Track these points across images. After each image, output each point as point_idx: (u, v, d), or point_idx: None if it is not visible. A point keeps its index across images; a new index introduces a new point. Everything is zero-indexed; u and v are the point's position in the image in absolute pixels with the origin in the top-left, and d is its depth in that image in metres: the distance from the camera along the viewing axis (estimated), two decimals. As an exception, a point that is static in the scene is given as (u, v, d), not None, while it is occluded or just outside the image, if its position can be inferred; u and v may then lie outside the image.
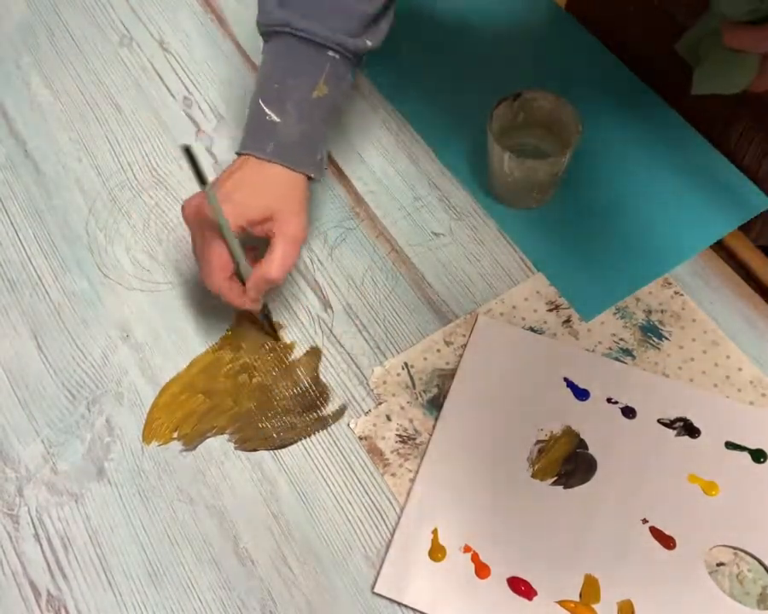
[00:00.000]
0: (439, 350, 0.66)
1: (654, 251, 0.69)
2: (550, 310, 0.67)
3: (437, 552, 0.58)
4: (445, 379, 0.65)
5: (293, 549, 0.60)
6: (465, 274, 0.70)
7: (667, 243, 0.70)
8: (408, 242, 0.72)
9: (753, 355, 0.64)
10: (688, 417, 0.62)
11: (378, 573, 0.58)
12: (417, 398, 0.64)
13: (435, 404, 0.64)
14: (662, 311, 0.67)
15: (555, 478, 0.60)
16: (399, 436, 0.63)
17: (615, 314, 0.67)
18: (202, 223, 0.60)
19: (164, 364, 0.68)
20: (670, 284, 0.68)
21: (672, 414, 0.62)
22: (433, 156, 0.76)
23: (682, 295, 0.67)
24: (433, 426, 0.63)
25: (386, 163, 0.76)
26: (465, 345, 0.66)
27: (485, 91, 0.73)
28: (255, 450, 0.64)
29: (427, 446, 0.62)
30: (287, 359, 0.67)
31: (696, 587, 0.56)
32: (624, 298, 0.67)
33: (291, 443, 0.64)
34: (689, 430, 0.61)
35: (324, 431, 0.64)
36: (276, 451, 0.64)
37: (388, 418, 0.64)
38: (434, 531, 0.58)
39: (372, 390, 0.65)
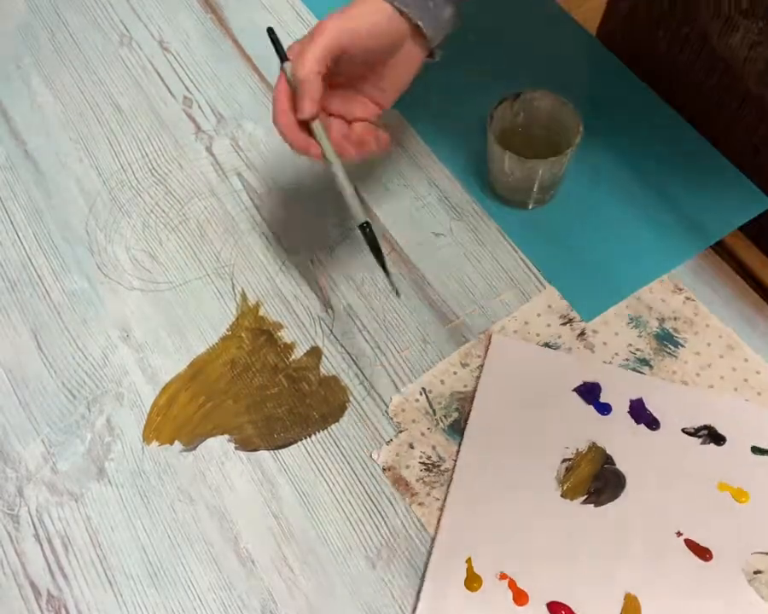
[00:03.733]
0: (455, 373, 0.65)
1: (655, 251, 0.69)
2: (564, 324, 0.66)
3: (473, 581, 0.57)
4: (464, 402, 0.64)
5: (293, 549, 0.60)
6: (465, 274, 0.70)
7: (667, 243, 0.70)
8: (408, 242, 0.72)
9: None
10: (712, 424, 0.61)
11: (414, 608, 0.57)
12: (438, 424, 0.63)
13: (457, 429, 0.63)
14: (675, 318, 0.66)
15: (586, 497, 0.59)
16: (423, 464, 0.62)
17: (629, 323, 0.66)
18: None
19: (164, 364, 0.68)
20: (681, 290, 0.67)
21: (696, 423, 0.61)
22: (433, 156, 0.76)
23: (693, 301, 0.66)
24: (457, 452, 0.62)
25: (387, 163, 0.76)
26: (481, 366, 0.65)
27: (485, 91, 0.73)
28: (255, 450, 0.64)
29: (452, 473, 0.61)
30: (287, 359, 0.67)
31: (737, 596, 0.55)
32: (624, 298, 0.67)
33: (291, 443, 0.64)
34: (714, 437, 0.60)
35: (324, 431, 0.64)
36: (276, 451, 0.64)
37: (411, 446, 0.62)
38: (468, 560, 0.57)
39: (392, 419, 0.64)
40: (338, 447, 0.63)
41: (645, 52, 0.79)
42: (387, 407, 0.64)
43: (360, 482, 0.62)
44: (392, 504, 0.61)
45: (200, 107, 0.82)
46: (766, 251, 0.70)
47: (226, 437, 0.64)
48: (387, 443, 0.63)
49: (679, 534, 0.57)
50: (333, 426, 0.64)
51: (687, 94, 0.76)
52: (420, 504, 0.60)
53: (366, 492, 0.61)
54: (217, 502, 0.62)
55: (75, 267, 0.73)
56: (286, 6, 0.87)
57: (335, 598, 0.58)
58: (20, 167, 0.79)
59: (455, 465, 0.61)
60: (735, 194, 0.71)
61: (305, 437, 0.64)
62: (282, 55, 0.59)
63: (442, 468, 0.61)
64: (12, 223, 0.76)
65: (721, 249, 0.70)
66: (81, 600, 0.59)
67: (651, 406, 0.62)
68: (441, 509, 0.60)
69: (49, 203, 0.77)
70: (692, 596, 0.55)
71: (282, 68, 0.58)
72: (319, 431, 0.64)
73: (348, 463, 0.63)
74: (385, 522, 0.60)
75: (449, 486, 0.60)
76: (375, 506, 0.61)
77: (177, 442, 0.64)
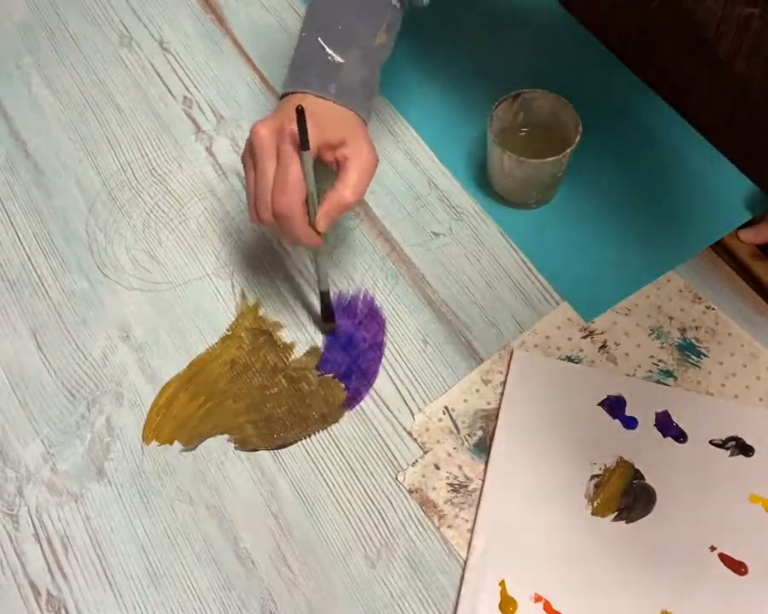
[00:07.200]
0: (478, 390, 0.64)
1: (654, 251, 0.69)
2: (585, 337, 0.66)
3: (507, 605, 0.56)
4: (488, 419, 0.63)
5: (293, 549, 0.60)
6: (465, 274, 0.70)
7: (667, 243, 0.70)
8: (408, 242, 0.72)
9: (753, 355, 0.64)
10: (739, 435, 0.60)
11: None
12: (463, 443, 0.62)
13: (482, 447, 0.62)
14: (696, 328, 0.65)
15: (616, 514, 0.59)
16: (450, 485, 0.61)
17: (650, 335, 0.65)
18: (279, 147, 0.56)
19: (164, 364, 0.68)
20: (700, 299, 0.66)
21: (723, 434, 0.61)
22: (433, 156, 0.76)
23: (713, 310, 0.66)
24: (484, 471, 0.61)
25: (386, 163, 0.76)
26: (504, 383, 0.64)
27: (485, 91, 0.73)
28: (255, 450, 0.64)
29: (480, 493, 0.60)
30: (287, 359, 0.67)
31: None
32: (624, 297, 0.67)
33: (291, 443, 0.64)
34: (743, 448, 0.60)
35: (324, 431, 0.64)
36: (276, 451, 0.64)
37: (436, 467, 0.62)
38: (502, 583, 0.57)
39: (416, 440, 0.63)
40: (338, 447, 0.63)
41: (614, 25, 0.78)
42: (387, 405, 0.64)
43: (360, 482, 0.62)
44: (391, 504, 0.61)
45: (200, 107, 0.82)
46: (766, 251, 0.70)
47: (226, 436, 0.64)
48: (413, 464, 0.62)
49: (713, 548, 0.57)
50: (332, 426, 0.64)
51: (661, 71, 0.76)
52: (449, 527, 0.59)
53: (366, 492, 0.61)
54: (216, 502, 0.62)
55: (75, 267, 0.73)
56: (286, 6, 0.87)
57: (335, 598, 0.58)
58: (20, 167, 0.79)
59: (482, 485, 0.60)
60: (735, 194, 0.71)
61: (305, 437, 0.64)
62: (305, 141, 0.55)
63: (470, 488, 0.61)
64: (12, 223, 0.76)
65: (721, 249, 0.70)
66: (81, 600, 0.59)
67: (677, 418, 0.61)
68: (471, 531, 0.59)
69: (49, 203, 0.77)
70: (729, 611, 0.55)
71: (300, 156, 0.55)
72: (319, 432, 0.64)
73: (348, 463, 0.63)
74: (384, 522, 0.60)
75: (477, 507, 0.60)
76: (375, 505, 0.61)
77: (176, 442, 0.64)
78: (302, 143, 0.54)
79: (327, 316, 0.67)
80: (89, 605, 0.59)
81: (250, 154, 0.58)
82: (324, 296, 0.66)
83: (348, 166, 0.58)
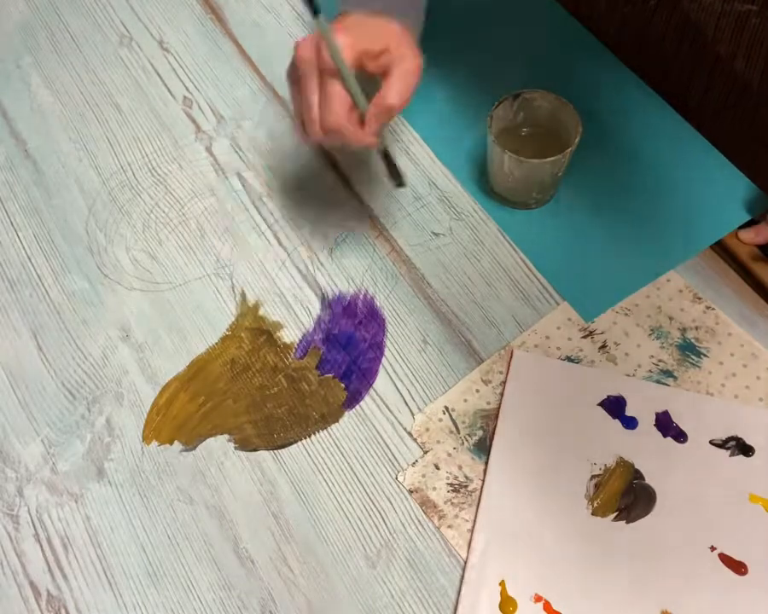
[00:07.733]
0: (477, 390, 0.64)
1: (654, 251, 0.69)
2: (585, 337, 0.66)
3: (507, 605, 0.56)
4: (488, 419, 0.63)
5: (293, 549, 0.60)
6: (465, 274, 0.70)
7: (667, 243, 0.70)
8: (408, 242, 0.72)
9: (753, 355, 0.64)
10: (739, 435, 0.60)
11: None
12: (463, 443, 0.62)
13: (482, 447, 0.62)
14: (697, 328, 0.65)
15: (616, 514, 0.59)
16: (450, 485, 0.61)
17: (650, 335, 0.65)
18: (320, 63, 0.58)
19: (164, 364, 0.68)
20: (700, 299, 0.66)
21: (724, 434, 0.61)
22: (433, 156, 0.76)
23: (713, 310, 0.66)
24: (484, 471, 0.61)
25: (387, 163, 0.76)
26: (504, 383, 0.64)
27: (485, 91, 0.73)
28: (255, 450, 0.64)
29: (480, 493, 0.60)
30: (286, 359, 0.67)
31: None
32: (624, 297, 0.67)
33: (291, 443, 0.64)
34: (743, 448, 0.60)
35: (324, 431, 0.64)
36: (276, 451, 0.64)
37: (437, 467, 0.62)
38: (502, 583, 0.57)
39: (416, 440, 0.63)
40: (338, 447, 0.63)
41: (613, 25, 0.79)
42: (387, 405, 0.64)
43: (360, 481, 0.62)
44: (391, 504, 0.61)
45: (200, 107, 0.82)
46: (766, 251, 0.70)
47: (226, 436, 0.64)
48: (413, 464, 0.62)
49: (713, 548, 0.57)
50: (333, 426, 0.64)
51: (661, 71, 0.76)
52: (449, 527, 0.59)
53: (366, 492, 0.61)
54: (216, 502, 0.62)
55: (75, 267, 0.73)
56: (286, 6, 0.87)
57: (335, 598, 0.58)
58: (20, 167, 0.79)
59: (482, 485, 0.60)
60: (735, 193, 0.71)
61: (305, 437, 0.64)
62: (315, 7, 0.55)
63: (470, 488, 0.61)
64: (12, 223, 0.76)
65: (721, 249, 0.70)
66: (81, 600, 0.59)
67: (677, 418, 0.61)
68: (471, 531, 0.59)
69: (49, 203, 0.77)
70: (729, 611, 0.55)
71: (317, 22, 0.56)
72: (319, 431, 0.64)
73: (348, 463, 0.63)
74: (384, 522, 0.60)
75: (477, 507, 0.60)
76: (375, 505, 0.61)
77: (176, 442, 0.64)
78: (311, 9, 0.55)
79: (392, 173, 0.66)
80: (89, 605, 0.59)
81: (293, 72, 0.60)
82: (386, 155, 0.65)
83: (392, 72, 0.59)
